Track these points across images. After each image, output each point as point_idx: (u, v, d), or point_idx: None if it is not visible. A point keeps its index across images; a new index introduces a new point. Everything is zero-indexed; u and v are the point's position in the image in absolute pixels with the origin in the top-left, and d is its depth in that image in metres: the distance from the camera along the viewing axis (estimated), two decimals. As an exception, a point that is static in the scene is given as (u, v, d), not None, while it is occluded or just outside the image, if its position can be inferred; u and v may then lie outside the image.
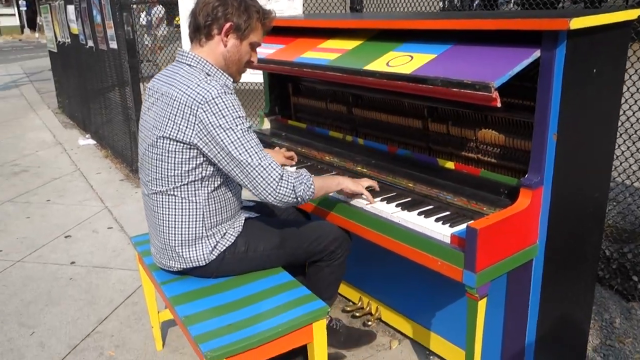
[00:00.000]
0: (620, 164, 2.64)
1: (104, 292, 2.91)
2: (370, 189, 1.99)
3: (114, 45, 4.73)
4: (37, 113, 8.31)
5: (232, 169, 1.73)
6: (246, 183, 1.74)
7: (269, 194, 1.73)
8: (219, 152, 1.71)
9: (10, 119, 7.91)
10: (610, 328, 2.40)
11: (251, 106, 5.50)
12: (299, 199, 1.78)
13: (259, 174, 1.71)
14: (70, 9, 6.12)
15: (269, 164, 1.72)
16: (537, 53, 1.56)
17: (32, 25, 31.23)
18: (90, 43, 5.56)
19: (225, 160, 1.72)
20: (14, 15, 32.23)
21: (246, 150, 1.70)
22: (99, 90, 5.79)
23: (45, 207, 4.26)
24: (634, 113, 2.68)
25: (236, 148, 1.69)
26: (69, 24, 6.40)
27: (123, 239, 3.58)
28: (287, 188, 1.74)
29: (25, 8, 30.40)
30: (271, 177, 1.71)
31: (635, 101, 2.68)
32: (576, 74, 1.61)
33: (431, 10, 3.93)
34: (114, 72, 5.03)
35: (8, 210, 4.22)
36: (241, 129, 1.70)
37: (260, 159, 1.71)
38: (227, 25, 1.78)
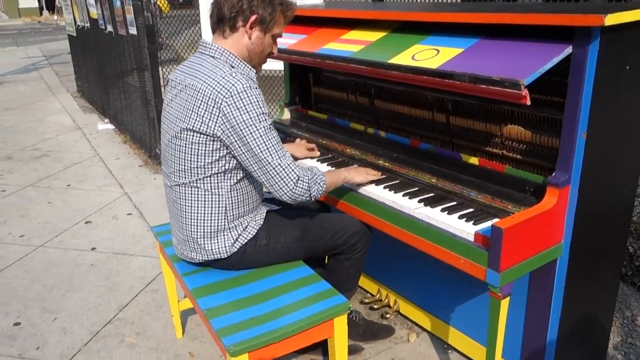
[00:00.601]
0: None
1: (124, 278, 2.94)
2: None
3: (133, 31, 4.73)
4: (57, 97, 8.38)
5: (251, 164, 1.74)
6: (264, 180, 1.76)
7: (285, 193, 1.76)
8: (240, 147, 1.71)
9: (30, 103, 7.99)
10: (632, 326, 2.37)
11: (271, 93, 5.48)
12: (312, 198, 1.82)
13: (278, 174, 1.73)
14: (90, -7, 6.13)
15: (288, 165, 1.74)
16: (568, 49, 1.52)
17: (51, 7, 31.36)
18: (110, 28, 5.57)
19: (245, 155, 1.73)
20: (33, -3, 32.36)
21: (267, 149, 1.71)
22: (117, 75, 5.82)
23: (66, 192, 4.31)
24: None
25: (258, 145, 1.70)
26: (88, 8, 6.41)
27: (142, 226, 3.61)
28: (302, 189, 1.77)
29: (43, -10, 30.54)
30: (289, 177, 1.74)
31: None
32: (609, 71, 1.57)
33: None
34: (133, 57, 5.04)
35: (30, 194, 4.27)
36: (264, 126, 1.70)
37: (280, 158, 1.73)
38: (253, 17, 1.76)
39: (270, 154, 1.71)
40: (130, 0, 4.58)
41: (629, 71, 1.65)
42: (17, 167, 4.97)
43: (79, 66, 8.27)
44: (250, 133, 1.69)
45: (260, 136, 1.70)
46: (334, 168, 2.23)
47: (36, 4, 32.24)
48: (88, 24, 6.66)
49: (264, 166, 1.72)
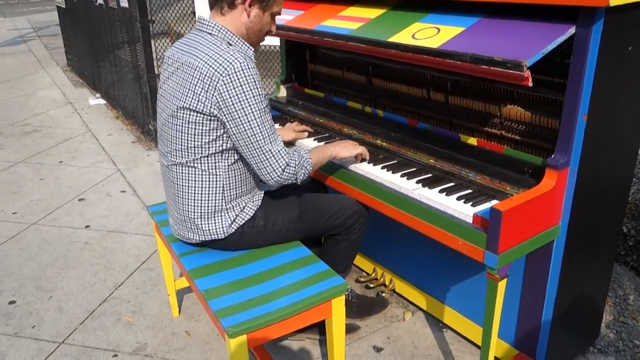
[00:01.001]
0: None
1: (119, 257, 2.93)
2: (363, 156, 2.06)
3: (124, 3, 4.63)
4: (47, 70, 8.24)
5: (242, 145, 1.73)
6: (252, 163, 1.76)
7: (272, 178, 1.77)
8: (232, 127, 1.70)
9: (19, 76, 7.86)
10: (624, 305, 2.41)
11: (267, 68, 5.41)
12: (298, 182, 1.83)
13: (267, 159, 1.73)
14: (79, -36, 5.97)
15: (278, 151, 1.74)
16: (572, 30, 1.50)
17: (38, -23, 30.56)
18: (100, 0, 5.45)
19: (237, 136, 1.71)
20: (19, -34, 31.52)
21: (260, 132, 1.70)
22: (109, 49, 5.71)
23: (59, 168, 4.27)
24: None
25: (251, 127, 1.68)
26: (77, -21, 6.26)
27: (136, 203, 3.59)
28: (289, 174, 1.78)
29: (30, -41, 29.74)
30: (278, 163, 1.74)
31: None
32: (611, 52, 1.55)
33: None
34: (124, 31, 4.94)
35: (22, 171, 4.23)
36: (259, 109, 1.68)
37: (271, 143, 1.72)
38: None
39: (263, 138, 1.70)
40: (120, -28, 4.47)
41: (631, 52, 1.63)
42: (7, 143, 4.91)
43: (68, 39, 8.12)
44: (245, 115, 1.67)
45: (255, 119, 1.68)
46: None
47: (23, -26, 31.40)
48: (77, -4, 6.51)
49: (255, 149, 1.72)
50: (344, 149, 2.00)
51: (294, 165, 1.78)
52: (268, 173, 1.75)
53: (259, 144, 1.71)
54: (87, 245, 3.06)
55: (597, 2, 1.41)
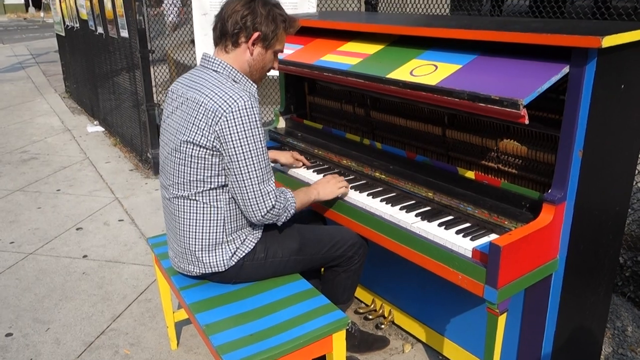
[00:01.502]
0: (639, 171, 2.62)
1: (117, 287, 2.92)
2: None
3: (124, 33, 4.70)
4: (45, 97, 8.29)
5: (234, 180, 1.77)
6: (239, 198, 1.80)
7: (254, 216, 1.81)
8: (229, 161, 1.74)
9: (18, 103, 7.90)
10: (623, 336, 2.41)
11: (266, 95, 5.47)
12: (279, 223, 1.88)
13: (255, 197, 1.77)
14: (80, -6, 6.07)
15: (268, 192, 1.78)
16: (566, 69, 1.54)
17: (37, 4, 30.99)
18: (100, 30, 5.53)
19: (232, 171, 1.75)
20: (19, -7, 31.95)
21: (255, 170, 1.74)
22: (107, 77, 5.77)
23: (56, 197, 4.27)
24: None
25: (247, 165, 1.73)
26: (77, 8, 6.35)
27: (134, 232, 3.59)
28: (273, 215, 1.82)
29: (29, -13, 30.17)
30: (264, 204, 1.78)
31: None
32: (605, 90, 1.59)
33: (440, 4, 3.89)
34: (124, 60, 5.01)
35: (19, 199, 4.23)
36: (257, 147, 1.73)
37: (261, 183, 1.76)
38: (256, 35, 1.77)
39: (257, 177, 1.75)
40: (121, 2, 4.55)
41: (624, 90, 1.68)
42: (5, 171, 4.92)
43: (67, 66, 8.19)
44: (243, 152, 1.71)
45: (252, 157, 1.72)
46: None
47: (22, 0, 31.84)
48: (77, 25, 6.60)
49: (246, 186, 1.75)
50: (328, 192, 2.04)
51: (278, 207, 1.82)
52: (253, 211, 1.79)
53: (251, 182, 1.75)
54: (85, 275, 3.05)
55: (590, 43, 1.45)
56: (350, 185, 2.17)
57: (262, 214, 1.80)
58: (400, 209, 1.95)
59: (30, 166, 5.04)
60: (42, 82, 9.66)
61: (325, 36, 2.42)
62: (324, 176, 2.25)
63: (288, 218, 1.89)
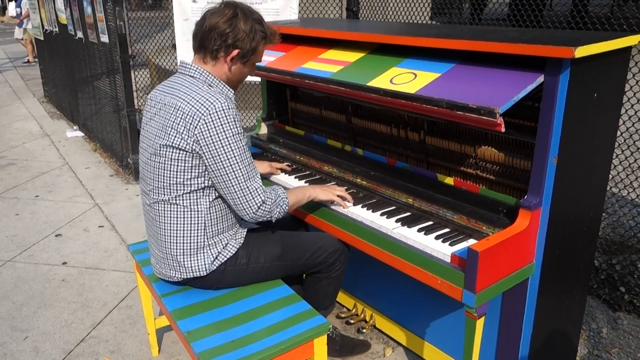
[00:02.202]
0: (612, 177, 2.69)
1: (97, 294, 2.90)
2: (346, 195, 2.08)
3: (105, 38, 4.67)
4: (23, 102, 8.17)
5: (220, 181, 1.77)
6: (229, 198, 1.81)
7: (246, 214, 1.81)
8: (212, 163, 1.75)
9: (-6, 108, 7.77)
10: (598, 338, 2.46)
11: (248, 101, 5.48)
12: (273, 219, 1.88)
13: (244, 195, 1.78)
14: (59, -2, 6.01)
15: (256, 188, 1.79)
16: (540, 78, 1.59)
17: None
18: (80, 34, 5.48)
19: (215, 172, 1.76)
20: (-4, -4, 31.43)
21: (239, 169, 1.75)
22: (87, 82, 5.72)
23: (35, 203, 4.21)
24: (623, 122, 2.73)
25: (230, 165, 1.73)
26: (57, 12, 6.28)
27: (114, 239, 3.56)
28: (264, 211, 1.82)
29: (7, -11, 29.69)
30: (254, 200, 1.79)
31: (626, 110, 2.73)
32: (578, 99, 1.64)
33: (421, 11, 3.95)
34: (104, 65, 4.97)
35: (-4, 205, 4.17)
36: (238, 147, 1.74)
37: (248, 180, 1.77)
38: (234, 52, 1.80)
39: (242, 174, 1.76)
40: (102, 7, 4.52)
41: (597, 99, 1.73)
42: (-18, 177, 4.84)
43: (46, 71, 8.09)
44: (225, 152, 1.72)
45: (234, 156, 1.73)
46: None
47: (-1, 3, 31.30)
48: (57, 29, 6.53)
49: (233, 185, 1.77)
50: (323, 192, 2.03)
51: (269, 203, 1.83)
52: (244, 209, 1.80)
53: (237, 180, 1.76)
54: (64, 282, 3.02)
55: (563, 53, 1.49)
56: (332, 191, 2.18)
57: (254, 210, 1.80)
58: (381, 214, 1.98)
59: (8, 172, 4.97)
60: (20, 86, 9.52)
61: (307, 43, 2.44)
62: (307, 183, 2.27)
63: (282, 214, 1.89)
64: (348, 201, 2.05)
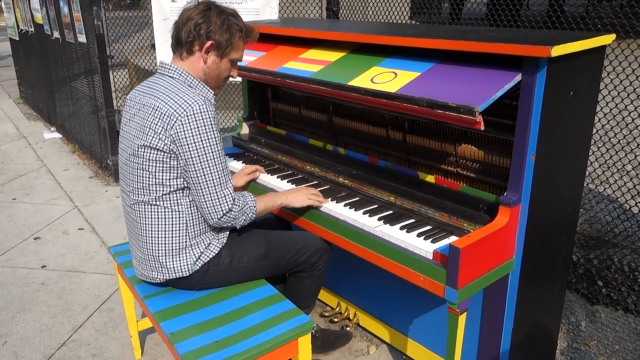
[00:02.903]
0: (589, 173, 2.74)
1: (77, 297, 2.86)
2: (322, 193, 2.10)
3: (82, 39, 4.61)
4: (-2, 103, 8.02)
5: (192, 182, 1.78)
6: (196, 200, 1.81)
7: (211, 219, 1.82)
8: (185, 164, 1.75)
9: (-31, 109, 7.61)
10: (577, 331, 2.51)
11: (228, 101, 5.45)
12: (237, 226, 1.89)
13: (211, 200, 1.78)
14: (34, -3, 5.91)
15: (225, 195, 1.79)
16: (518, 77, 1.61)
17: (-12, 6, 29.86)
18: (56, 34, 5.39)
19: (189, 174, 1.76)
20: (-32, -5, 30.78)
21: (211, 173, 1.75)
22: (65, 83, 5.63)
23: (12, 206, 4.14)
24: (599, 120, 2.79)
25: (203, 168, 1.74)
26: (32, 12, 6.18)
27: (95, 241, 3.52)
28: (229, 218, 1.83)
29: (-20, -12, 29.10)
30: (220, 207, 1.79)
31: (601, 108, 2.79)
32: (555, 97, 1.67)
33: (400, 10, 3.98)
34: (82, 65, 4.90)
35: (-28, 209, 4.09)
36: (213, 150, 1.74)
37: (220, 185, 1.78)
38: (208, 43, 1.79)
39: (213, 179, 1.76)
40: (78, 7, 4.46)
41: (572, 97, 1.76)
42: (-43, 180, 4.74)
43: (22, 71, 7.95)
44: (199, 155, 1.72)
45: (208, 160, 1.74)
46: (294, 186, 2.25)
47: (-28, 3, 30.64)
48: (32, 29, 6.42)
49: (203, 189, 1.77)
50: (296, 199, 2.03)
51: (235, 210, 1.83)
52: (209, 213, 1.80)
53: (207, 184, 1.76)
54: (44, 286, 2.98)
55: (540, 52, 1.52)
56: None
57: (219, 216, 1.81)
58: (364, 213, 1.99)
59: (-16, 174, 4.88)
60: (-6, 87, 9.34)
61: (287, 43, 2.44)
62: (293, 185, 2.27)
63: (247, 222, 1.90)
64: (322, 199, 2.06)
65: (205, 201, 1.78)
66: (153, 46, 5.62)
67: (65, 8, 4.86)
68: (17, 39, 7.50)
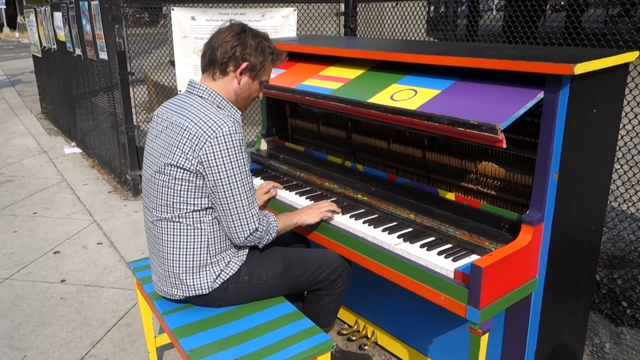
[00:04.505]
0: (612, 191, 2.70)
1: (96, 312, 2.87)
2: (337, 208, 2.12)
3: (103, 55, 4.69)
4: (20, 118, 8.17)
5: (219, 203, 1.79)
6: (223, 220, 1.82)
7: (238, 238, 1.84)
8: (213, 185, 1.76)
9: (-8, 124, 7.77)
10: (601, 353, 2.45)
11: (247, 116, 5.48)
12: (260, 245, 1.92)
13: (239, 220, 1.80)
14: (57, 15, 6.05)
15: (252, 215, 1.81)
16: (540, 94, 1.60)
17: (12, 24, 30.68)
18: (78, 51, 5.50)
19: (216, 195, 1.77)
20: (-7, 13, 31.65)
21: (239, 194, 1.77)
22: (86, 98, 5.73)
23: (33, 220, 4.19)
24: (621, 137, 2.75)
25: (231, 189, 1.75)
26: (55, 30, 6.32)
27: (113, 255, 3.54)
28: (255, 237, 1.85)
29: (4, 6, 29.88)
30: (247, 227, 1.81)
31: (623, 125, 2.75)
32: (578, 114, 1.65)
33: (417, 27, 3.99)
34: (102, 81, 4.99)
35: (-6, 223, 4.15)
36: (241, 172, 1.76)
37: (248, 205, 1.80)
38: (244, 65, 1.81)
39: (241, 199, 1.77)
40: (101, 25, 4.55)
41: (596, 114, 1.74)
42: (-21, 194, 4.82)
43: (44, 87, 8.11)
44: (227, 177, 1.74)
45: (236, 181, 1.75)
46: (312, 202, 2.25)
47: (-4, 21, 31.47)
48: (55, 46, 6.56)
49: (230, 209, 1.78)
50: (311, 216, 2.06)
51: (261, 230, 1.85)
52: (236, 232, 1.81)
53: (235, 205, 1.77)
54: (63, 300, 3.00)
55: (563, 70, 1.51)
56: (333, 207, 2.18)
57: (245, 236, 1.81)
58: (383, 230, 1.98)
59: (6, 189, 4.95)
60: (17, 103, 9.53)
61: (306, 60, 2.46)
62: (312, 201, 2.27)
63: (270, 241, 1.91)
64: (335, 210, 2.09)
65: (233, 221, 1.79)
66: (172, 63, 5.71)
67: (87, 26, 4.96)
68: (40, 56, 7.67)
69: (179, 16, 4.21)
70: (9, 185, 5.06)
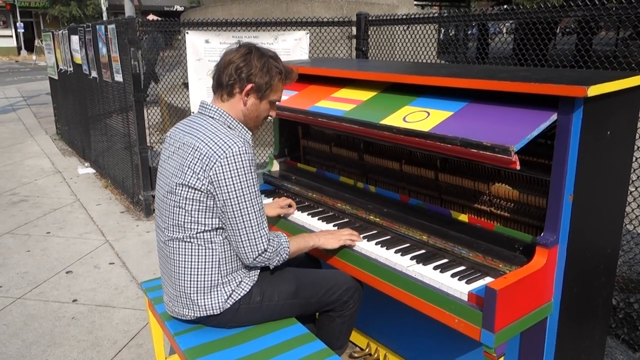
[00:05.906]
0: (627, 214, 2.67)
1: (107, 332, 2.87)
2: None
3: (119, 78, 4.77)
4: (35, 139, 8.29)
5: (228, 223, 1.80)
6: (232, 240, 1.83)
7: (246, 258, 1.84)
8: (223, 205, 1.77)
9: (8, 145, 7.89)
10: (619, 379, 2.40)
11: (258, 137, 5.52)
12: (271, 266, 1.91)
13: (248, 240, 1.80)
14: (75, 39, 6.19)
15: (261, 236, 1.81)
16: (554, 116, 1.60)
17: (29, 47, 31.38)
18: (94, 73, 5.60)
19: (226, 215, 1.78)
20: (11, 36, 32.43)
21: (248, 214, 1.77)
22: (100, 119, 5.81)
23: (46, 240, 4.22)
24: (636, 159, 2.73)
25: (240, 210, 1.76)
26: (72, 53, 6.45)
27: (125, 276, 3.55)
28: (264, 258, 1.85)
29: (22, 30, 30.61)
30: (256, 247, 1.81)
31: (638, 147, 2.73)
32: (592, 136, 1.65)
33: (428, 49, 4.01)
34: (117, 103, 5.06)
35: (8, 242, 4.18)
36: (250, 192, 1.77)
37: (257, 226, 1.80)
38: (249, 86, 1.83)
39: (250, 220, 1.78)
40: (116, 48, 4.64)
41: (610, 136, 1.74)
42: (-6, 213, 4.87)
43: (59, 108, 8.24)
44: (237, 197, 1.75)
45: (246, 201, 1.76)
46: (324, 223, 2.25)
47: (14, 44, 32.23)
48: (71, 69, 6.69)
49: (239, 230, 1.79)
50: (329, 241, 2.03)
51: (270, 251, 1.84)
52: (245, 253, 1.82)
53: (244, 225, 1.78)
54: (74, 320, 3.00)
55: (576, 92, 1.51)
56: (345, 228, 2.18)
57: (254, 256, 1.82)
58: (396, 252, 1.97)
59: (20, 208, 5.00)
60: (33, 124, 9.68)
61: (318, 82, 2.48)
62: (324, 222, 2.27)
63: (281, 262, 1.91)
64: (356, 238, 2.05)
65: (242, 241, 1.80)
66: (185, 85, 5.78)
67: (103, 49, 5.06)
68: (56, 78, 7.82)
69: (193, 39, 4.28)
70: (23, 204, 5.12)
